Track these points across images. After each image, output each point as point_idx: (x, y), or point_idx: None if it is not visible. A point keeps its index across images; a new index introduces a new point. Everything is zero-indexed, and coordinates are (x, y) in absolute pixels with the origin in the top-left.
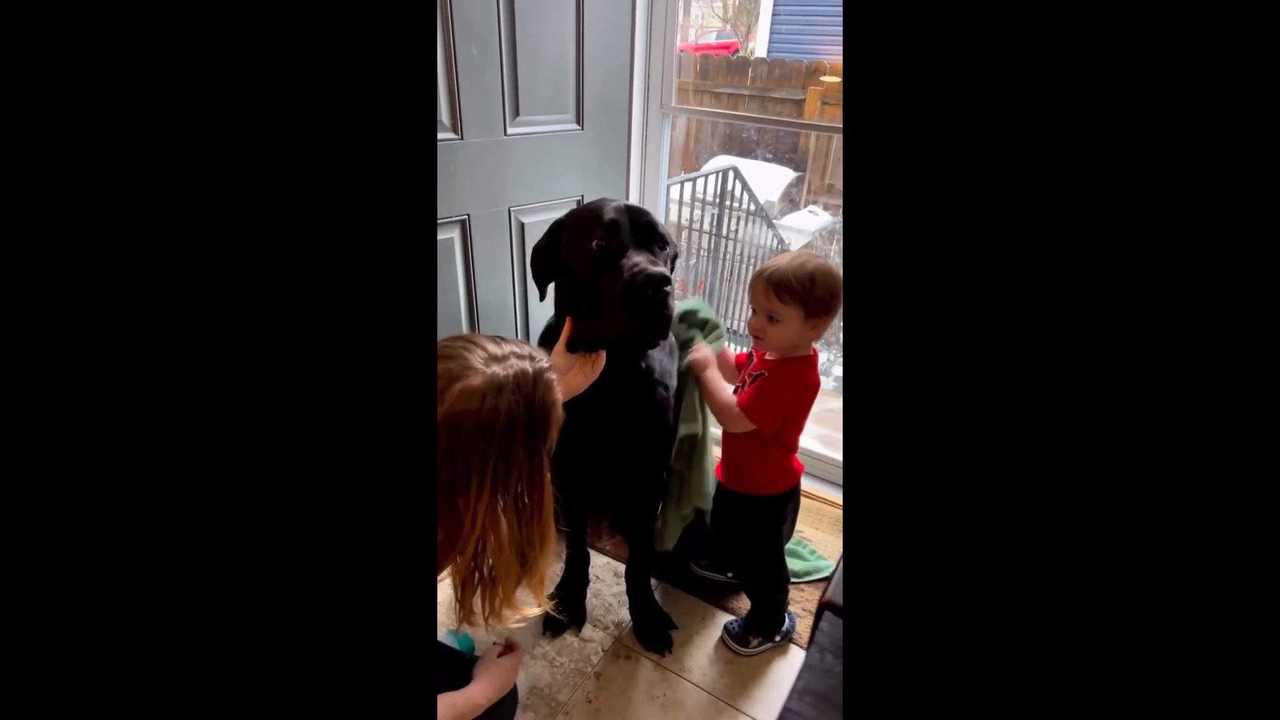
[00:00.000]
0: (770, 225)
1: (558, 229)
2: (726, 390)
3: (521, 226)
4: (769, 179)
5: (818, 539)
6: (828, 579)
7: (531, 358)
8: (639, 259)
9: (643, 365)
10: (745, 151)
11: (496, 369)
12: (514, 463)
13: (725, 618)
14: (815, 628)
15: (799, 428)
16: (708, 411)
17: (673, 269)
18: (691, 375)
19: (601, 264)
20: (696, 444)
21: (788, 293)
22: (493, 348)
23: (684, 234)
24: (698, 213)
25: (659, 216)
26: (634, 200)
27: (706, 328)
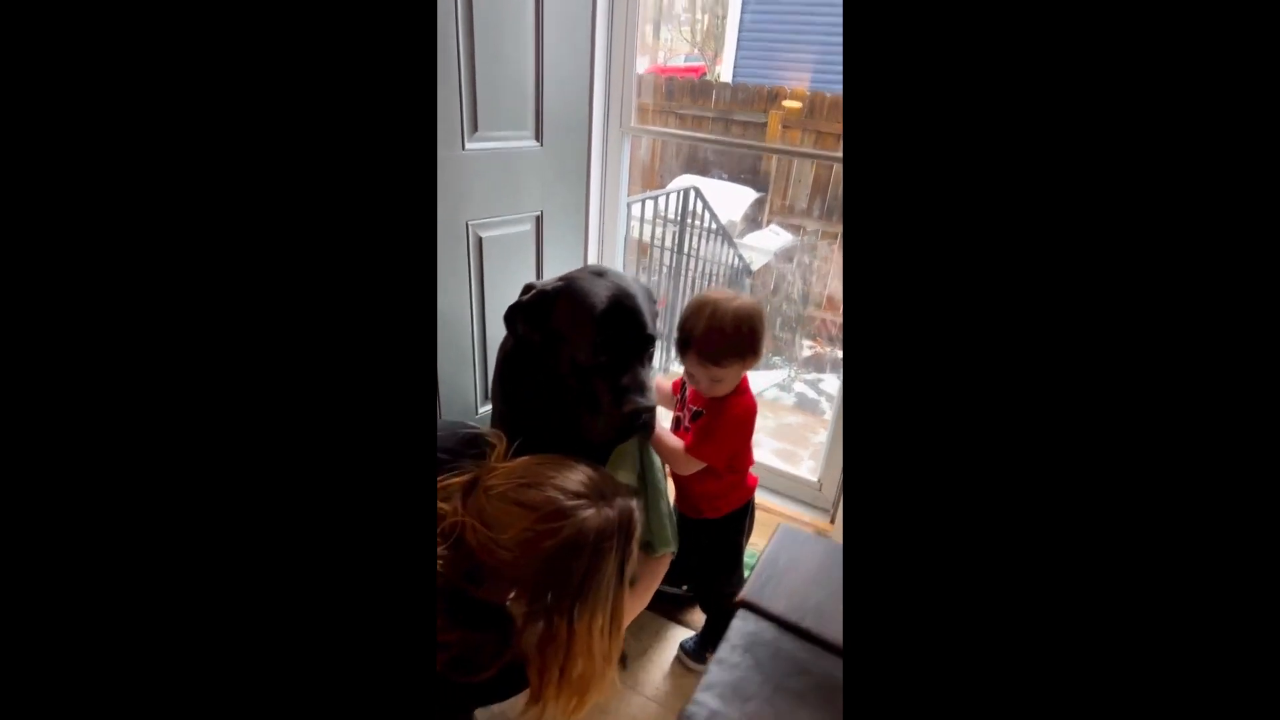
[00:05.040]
0: (731, 244)
1: (548, 301)
2: (670, 436)
3: (479, 241)
4: (731, 198)
5: None
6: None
7: (625, 494)
8: (631, 381)
9: None
10: (708, 171)
11: (608, 511)
12: (608, 590)
13: (679, 631)
14: (728, 625)
15: (748, 449)
16: (646, 463)
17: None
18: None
19: (595, 371)
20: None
21: (725, 356)
22: (594, 477)
23: (648, 251)
24: (660, 230)
25: (619, 233)
26: (594, 217)
27: None
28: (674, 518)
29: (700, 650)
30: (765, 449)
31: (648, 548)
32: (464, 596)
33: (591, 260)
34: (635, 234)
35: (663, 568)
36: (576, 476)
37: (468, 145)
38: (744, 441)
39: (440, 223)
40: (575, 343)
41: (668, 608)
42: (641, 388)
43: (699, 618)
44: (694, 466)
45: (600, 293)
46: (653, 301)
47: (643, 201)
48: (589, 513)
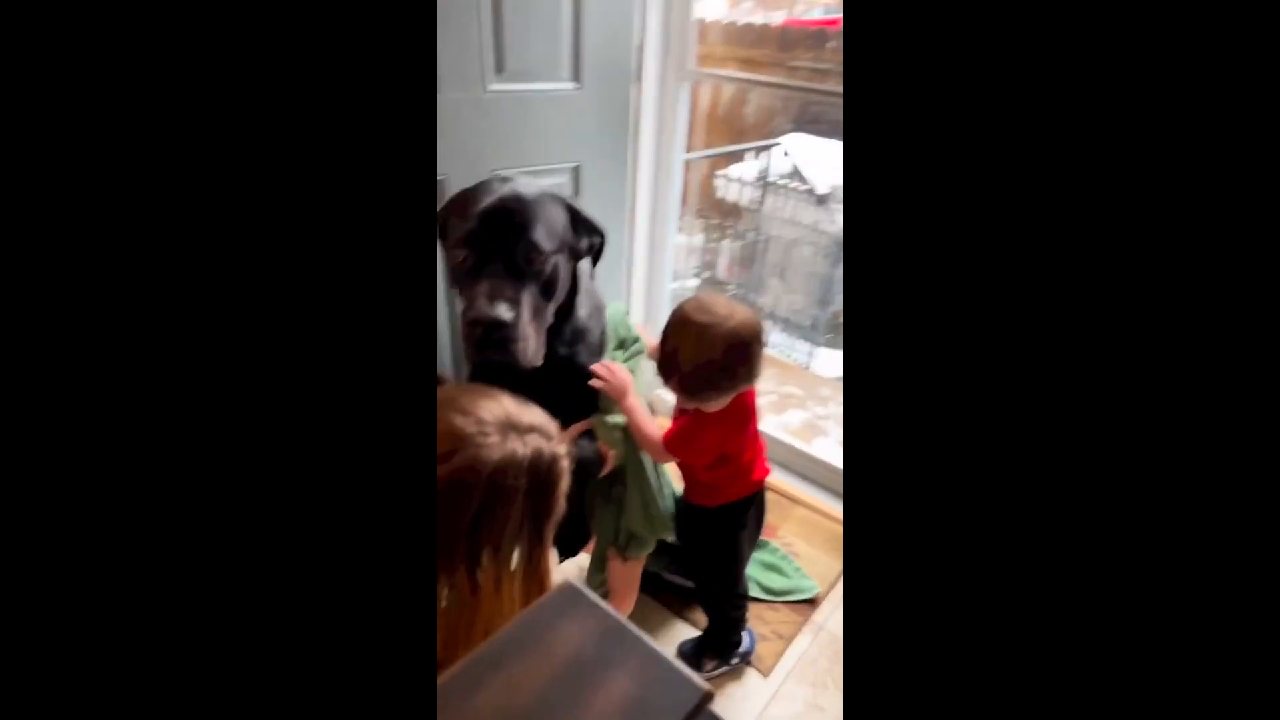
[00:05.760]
0: (826, 209)
1: (453, 204)
2: (651, 422)
3: None
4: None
5: (808, 555)
6: None
7: (548, 435)
8: (482, 290)
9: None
10: (828, 130)
11: (516, 445)
12: (515, 538)
13: (683, 629)
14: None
15: (744, 445)
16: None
17: (592, 255)
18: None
19: (464, 276)
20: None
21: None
22: (513, 410)
23: (742, 215)
24: (753, 192)
25: (674, 190)
26: (645, 174)
27: (625, 344)
28: (666, 502)
29: (698, 656)
30: (828, 439)
31: (633, 544)
32: None
33: (640, 221)
34: (724, 193)
35: (635, 572)
36: (493, 406)
37: (490, 87)
38: (736, 438)
39: (461, 172)
40: (452, 243)
41: (674, 600)
42: (494, 297)
43: (704, 616)
44: (669, 459)
45: (489, 193)
46: (579, 227)
47: (709, 158)
48: (491, 441)
